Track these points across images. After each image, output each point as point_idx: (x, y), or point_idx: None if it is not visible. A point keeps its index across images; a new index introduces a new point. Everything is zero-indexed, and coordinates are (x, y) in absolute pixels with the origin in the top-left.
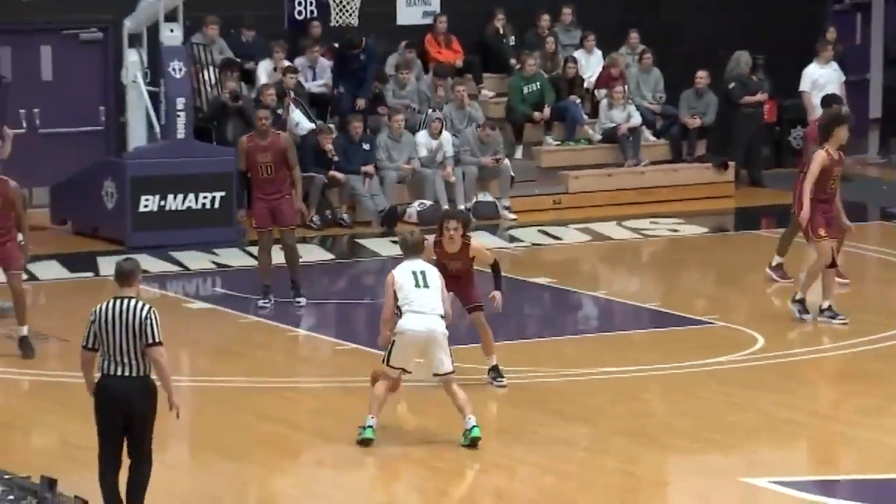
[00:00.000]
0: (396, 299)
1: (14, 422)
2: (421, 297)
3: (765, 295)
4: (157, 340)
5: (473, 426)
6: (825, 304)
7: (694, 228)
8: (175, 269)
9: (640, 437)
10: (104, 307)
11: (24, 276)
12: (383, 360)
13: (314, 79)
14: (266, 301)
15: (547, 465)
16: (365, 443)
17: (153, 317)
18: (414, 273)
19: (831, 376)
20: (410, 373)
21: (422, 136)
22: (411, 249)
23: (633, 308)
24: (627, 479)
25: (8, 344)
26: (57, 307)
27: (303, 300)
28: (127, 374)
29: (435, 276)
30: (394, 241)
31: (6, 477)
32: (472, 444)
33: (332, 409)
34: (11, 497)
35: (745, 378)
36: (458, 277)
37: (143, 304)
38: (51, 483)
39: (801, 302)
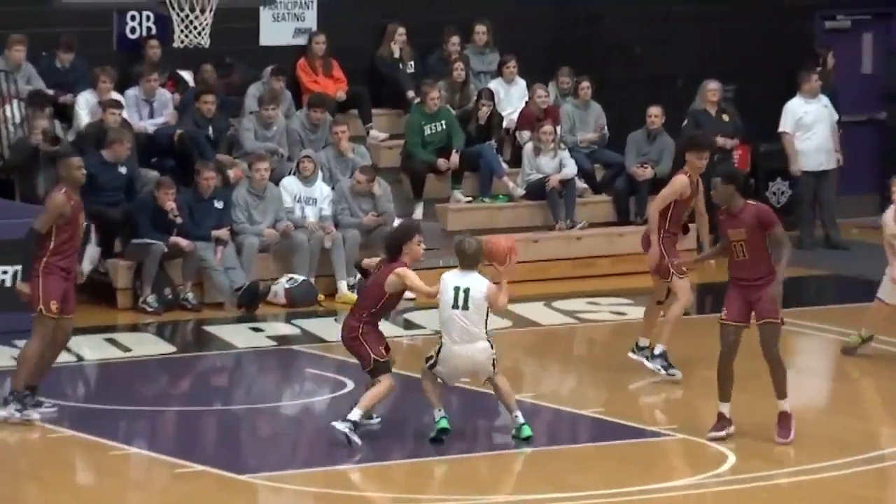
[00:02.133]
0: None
1: None
2: (458, 324)
3: (738, 398)
4: None
5: (522, 424)
6: (661, 350)
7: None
8: None
9: None
10: None
11: None
12: (427, 363)
13: (151, 116)
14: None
15: None
16: (443, 433)
17: None
18: (456, 289)
19: None
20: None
21: (290, 183)
22: (468, 260)
23: (566, 416)
24: None
25: None
26: None
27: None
28: None
29: (480, 294)
30: (255, 329)
31: None
32: (527, 440)
33: None
34: None
35: None
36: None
37: None
38: None
39: (663, 356)
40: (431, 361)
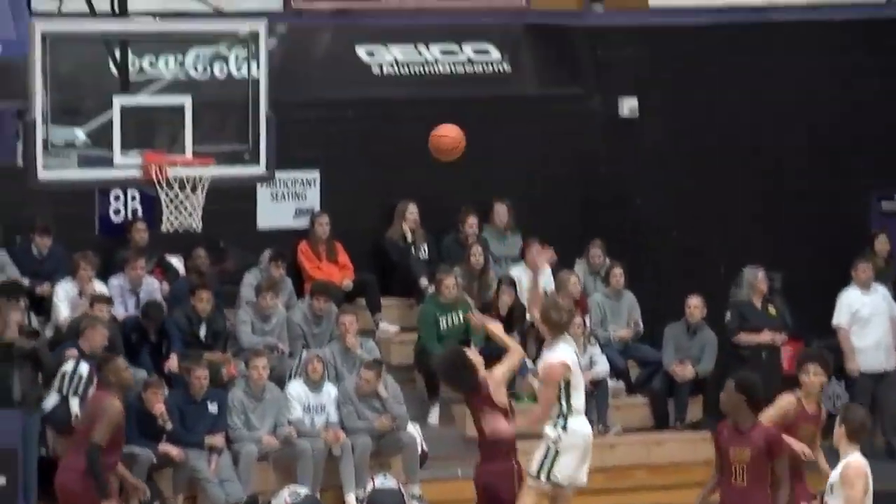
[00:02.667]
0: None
1: None
2: (582, 393)
3: None
4: None
5: None
6: None
7: None
8: None
9: None
10: None
11: None
12: (537, 474)
13: (137, 307)
14: None
15: None
16: None
17: None
18: (576, 354)
19: None
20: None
21: (296, 388)
22: (565, 326)
23: None
24: None
25: None
26: None
27: None
28: None
29: None
30: None
31: None
32: None
33: None
34: None
35: None
36: None
37: None
38: None
39: None
40: (546, 468)
